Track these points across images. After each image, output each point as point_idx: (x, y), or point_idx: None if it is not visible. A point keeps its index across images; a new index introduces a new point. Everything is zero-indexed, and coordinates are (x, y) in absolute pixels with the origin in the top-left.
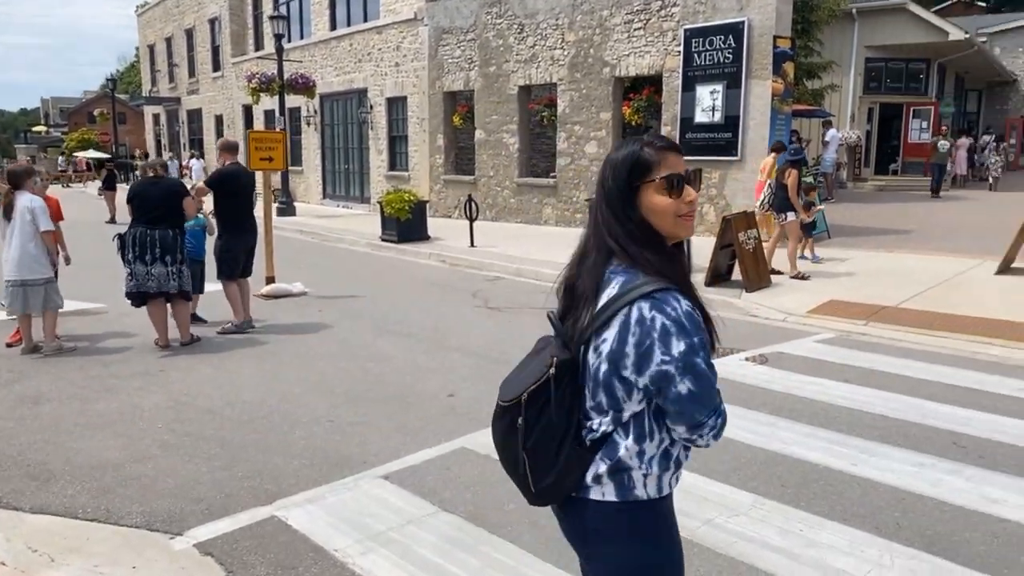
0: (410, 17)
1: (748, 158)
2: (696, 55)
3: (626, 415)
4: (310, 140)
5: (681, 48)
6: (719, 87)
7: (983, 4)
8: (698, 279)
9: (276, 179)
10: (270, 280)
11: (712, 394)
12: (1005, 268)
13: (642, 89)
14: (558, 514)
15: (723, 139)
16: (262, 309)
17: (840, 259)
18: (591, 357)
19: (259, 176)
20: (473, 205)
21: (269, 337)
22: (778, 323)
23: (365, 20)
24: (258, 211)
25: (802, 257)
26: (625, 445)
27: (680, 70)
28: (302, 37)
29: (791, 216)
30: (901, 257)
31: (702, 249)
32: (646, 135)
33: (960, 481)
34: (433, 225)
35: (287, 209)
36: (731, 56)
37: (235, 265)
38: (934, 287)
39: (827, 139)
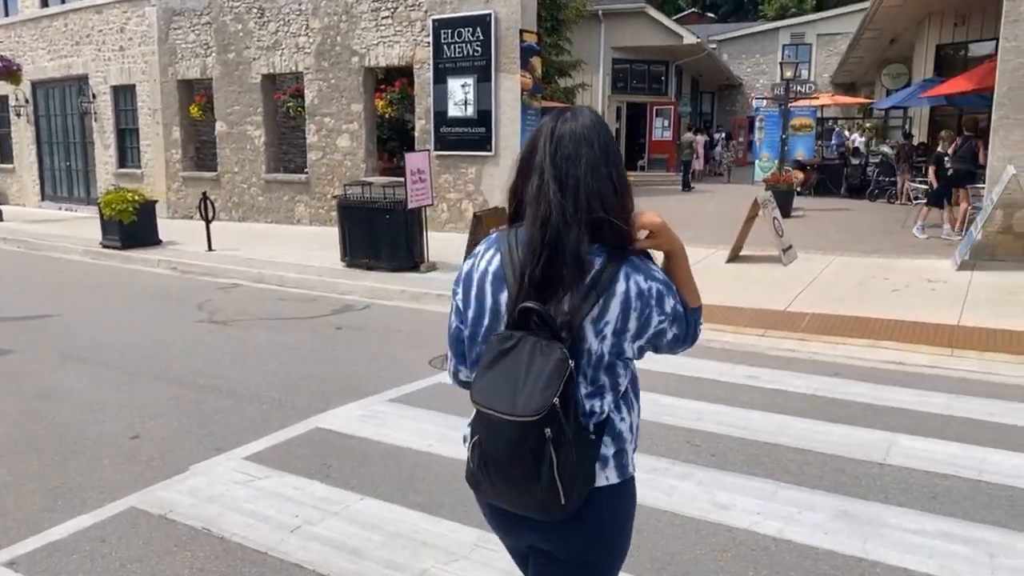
0: None
1: (502, 153)
2: (446, 47)
3: (622, 390)
4: (22, 134)
5: (430, 39)
6: (470, 80)
7: (712, 16)
8: (452, 278)
9: None
10: None
11: (685, 318)
12: (734, 256)
13: (395, 81)
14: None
15: (477, 134)
16: None
17: None
18: (592, 342)
19: None
20: (208, 204)
21: None
22: None
23: None
24: None
25: None
26: (621, 420)
27: (431, 62)
28: (7, 14)
29: None
30: None
31: (450, 246)
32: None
33: (692, 486)
34: (169, 228)
35: None
36: (480, 49)
37: None
38: None
39: None
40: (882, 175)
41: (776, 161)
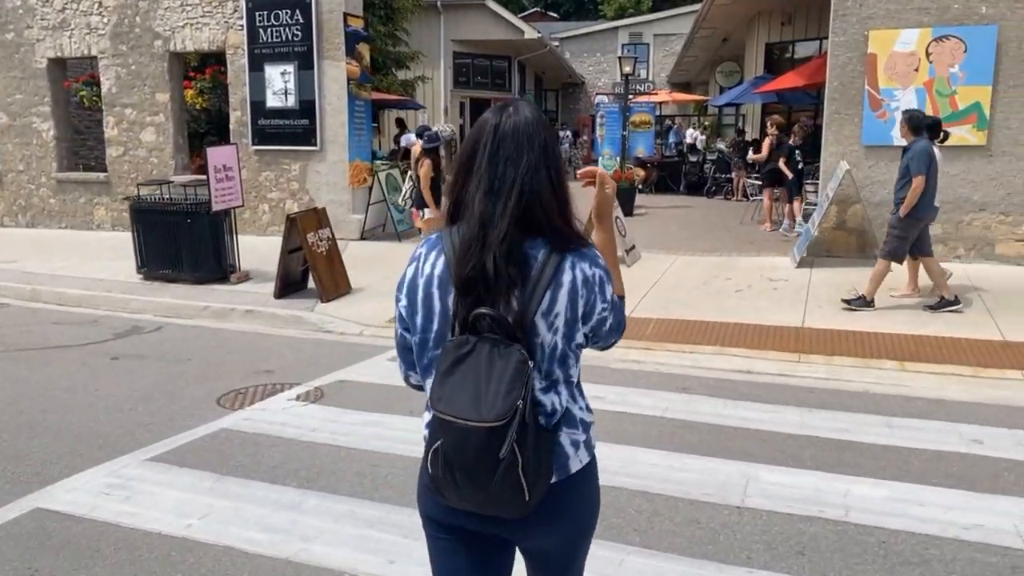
0: None
1: (329, 147)
2: (262, 31)
3: (575, 380)
4: None
5: (244, 22)
6: (290, 68)
7: (555, 16)
8: (266, 290)
9: None
10: None
11: (621, 310)
12: None
13: (206, 68)
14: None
15: (300, 126)
16: None
17: None
18: (544, 335)
19: None
20: None
21: None
22: (353, 338)
23: None
24: None
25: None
26: (579, 408)
27: (245, 47)
28: None
29: (427, 213)
30: None
31: (271, 251)
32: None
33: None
34: None
35: None
36: (300, 33)
37: None
38: None
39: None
40: (718, 172)
41: (618, 159)
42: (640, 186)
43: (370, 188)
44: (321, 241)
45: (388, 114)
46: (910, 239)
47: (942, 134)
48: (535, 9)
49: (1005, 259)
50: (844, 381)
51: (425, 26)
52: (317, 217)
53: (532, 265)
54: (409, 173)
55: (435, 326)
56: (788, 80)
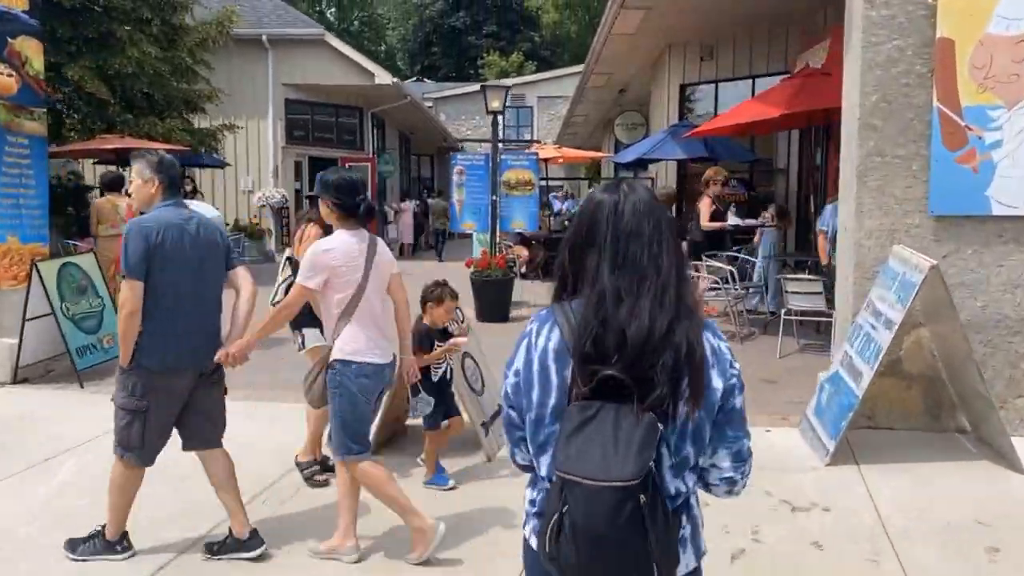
0: None
1: None
2: None
3: (702, 468)
4: None
5: None
6: None
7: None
8: None
9: None
10: None
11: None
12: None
13: None
14: None
15: None
16: None
17: None
18: (679, 404)
19: None
20: None
21: None
22: None
23: None
24: None
25: None
26: (696, 497)
27: None
28: None
29: (309, 336)
30: None
31: None
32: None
33: None
34: None
35: None
36: None
37: None
38: None
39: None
40: None
41: (485, 236)
42: (522, 270)
43: (27, 290)
44: None
45: (222, 174)
46: None
47: None
48: (415, 79)
49: None
50: None
51: (248, 64)
52: None
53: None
54: (287, 256)
55: (552, 400)
56: (749, 111)
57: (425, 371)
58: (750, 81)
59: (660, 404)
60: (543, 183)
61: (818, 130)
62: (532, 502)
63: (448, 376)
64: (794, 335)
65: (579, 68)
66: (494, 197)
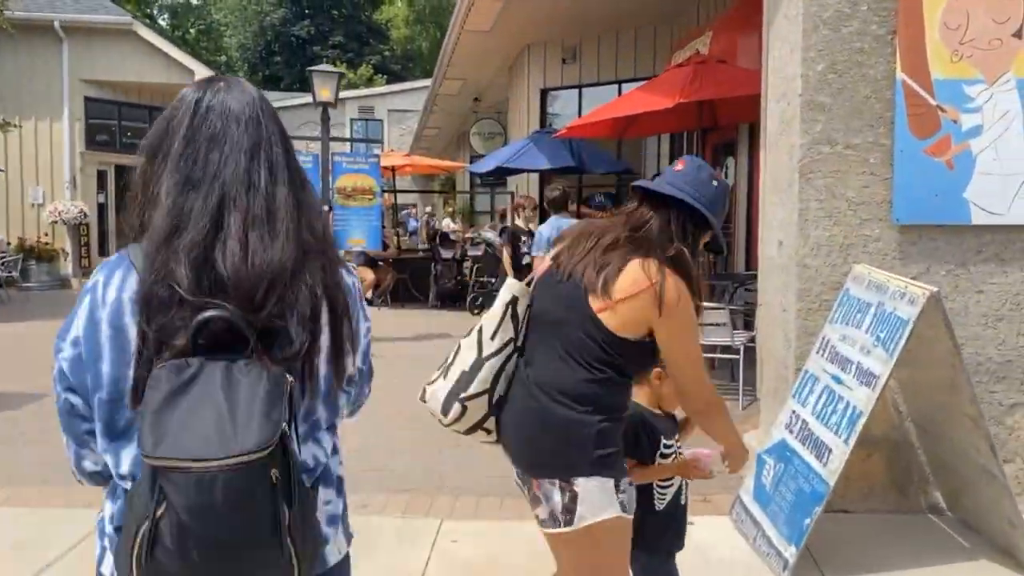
0: None
1: None
2: None
3: (338, 428)
4: None
5: None
6: None
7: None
8: None
9: None
10: None
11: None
12: None
13: None
14: None
15: None
16: None
17: None
18: (315, 365)
19: None
20: None
21: None
22: None
23: None
24: None
25: None
26: (339, 463)
27: None
28: None
29: None
30: None
31: None
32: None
33: None
34: None
35: None
36: None
37: None
38: None
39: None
40: (485, 274)
41: None
42: (368, 297)
43: None
44: None
45: (3, 183)
46: None
47: None
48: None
49: None
50: None
51: (36, 55)
52: None
53: None
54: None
55: (131, 369)
56: (633, 102)
57: None
58: (616, 86)
59: (295, 359)
60: (392, 197)
61: (696, 135)
62: (111, 518)
63: None
64: None
65: (430, 81)
66: (326, 207)
